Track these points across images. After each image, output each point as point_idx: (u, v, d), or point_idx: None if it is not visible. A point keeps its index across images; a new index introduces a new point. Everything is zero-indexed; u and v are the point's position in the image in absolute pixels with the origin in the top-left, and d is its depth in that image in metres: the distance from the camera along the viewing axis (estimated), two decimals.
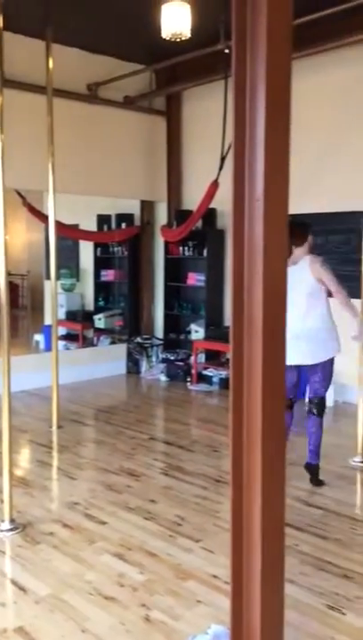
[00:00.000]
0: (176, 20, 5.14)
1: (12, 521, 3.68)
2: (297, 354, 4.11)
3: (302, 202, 6.53)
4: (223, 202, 6.89)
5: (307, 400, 4.39)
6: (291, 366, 4.14)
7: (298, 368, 4.29)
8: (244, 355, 2.05)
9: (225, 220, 7.67)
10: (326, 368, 4.27)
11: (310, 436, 4.31)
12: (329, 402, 6.55)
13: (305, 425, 4.38)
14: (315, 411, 4.28)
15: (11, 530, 3.63)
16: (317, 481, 4.32)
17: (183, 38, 5.23)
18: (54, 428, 5.69)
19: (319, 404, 4.28)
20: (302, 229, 4.25)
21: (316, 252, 4.53)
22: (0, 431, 3.75)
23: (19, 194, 7.74)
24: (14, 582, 3.10)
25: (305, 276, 4.19)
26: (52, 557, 3.34)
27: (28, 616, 2.80)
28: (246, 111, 1.98)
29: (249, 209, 2.03)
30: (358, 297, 5.08)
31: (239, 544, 2.13)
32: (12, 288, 12.91)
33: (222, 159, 6.44)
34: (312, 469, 4.34)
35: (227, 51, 5.68)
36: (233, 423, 2.10)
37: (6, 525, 3.65)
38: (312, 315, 4.21)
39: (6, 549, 3.44)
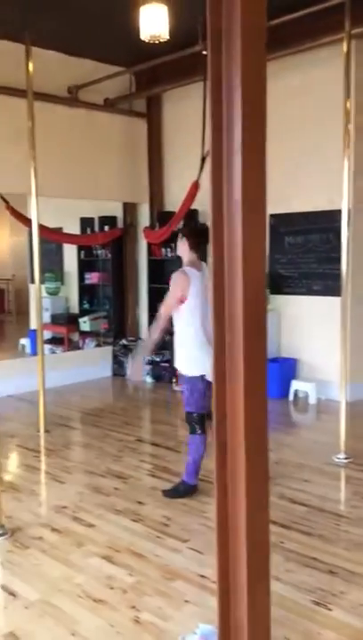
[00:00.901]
0: (154, 22, 5.15)
1: (1, 526, 3.67)
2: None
3: (281, 202, 6.59)
4: (205, 202, 6.90)
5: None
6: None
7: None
8: (226, 354, 2.07)
9: (207, 221, 7.67)
10: None
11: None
12: (312, 399, 6.61)
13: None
14: None
15: (0, 535, 3.63)
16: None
17: (162, 40, 5.24)
18: (42, 432, 5.68)
19: None
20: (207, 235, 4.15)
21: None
22: None
23: (2, 197, 7.71)
24: (4, 587, 3.10)
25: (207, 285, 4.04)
26: (41, 562, 3.34)
27: (19, 621, 2.81)
28: (222, 112, 2.00)
29: (228, 210, 2.05)
30: (338, 295, 5.13)
31: (225, 543, 2.15)
32: None
33: (203, 160, 6.45)
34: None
35: (205, 52, 5.69)
36: (217, 422, 2.12)
37: None
38: None
39: None
